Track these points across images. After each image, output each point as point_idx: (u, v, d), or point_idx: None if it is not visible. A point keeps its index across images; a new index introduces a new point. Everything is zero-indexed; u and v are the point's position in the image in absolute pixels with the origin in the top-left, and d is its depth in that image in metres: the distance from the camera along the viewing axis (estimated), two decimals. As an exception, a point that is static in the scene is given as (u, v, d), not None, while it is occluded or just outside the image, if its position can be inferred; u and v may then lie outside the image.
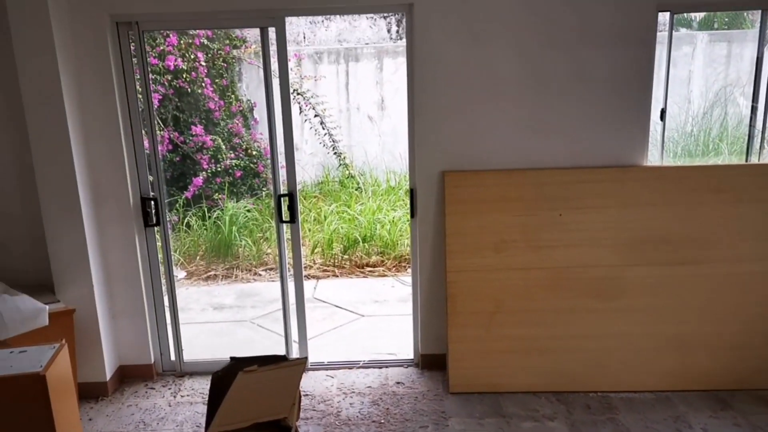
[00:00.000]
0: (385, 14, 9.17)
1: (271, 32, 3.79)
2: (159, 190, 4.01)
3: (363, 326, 5.10)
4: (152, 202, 3.99)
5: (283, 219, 4.01)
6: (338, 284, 6.15)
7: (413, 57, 3.77)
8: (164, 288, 4.17)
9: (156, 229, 4.07)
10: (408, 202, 4.15)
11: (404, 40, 3.91)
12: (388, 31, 9.26)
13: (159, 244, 4.10)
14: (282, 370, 2.64)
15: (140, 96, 3.87)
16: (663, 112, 4.01)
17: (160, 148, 7.21)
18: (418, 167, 3.92)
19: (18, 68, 3.50)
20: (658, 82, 3.89)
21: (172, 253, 4.20)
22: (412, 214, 4.06)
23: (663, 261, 3.82)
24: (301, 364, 2.76)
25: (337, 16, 9.14)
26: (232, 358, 2.82)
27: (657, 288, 3.83)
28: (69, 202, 3.68)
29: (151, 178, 3.98)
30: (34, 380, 2.83)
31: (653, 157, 4.17)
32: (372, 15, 9.14)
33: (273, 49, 3.82)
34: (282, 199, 3.97)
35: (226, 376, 2.65)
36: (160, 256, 4.13)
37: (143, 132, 3.93)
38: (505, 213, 3.87)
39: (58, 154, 3.61)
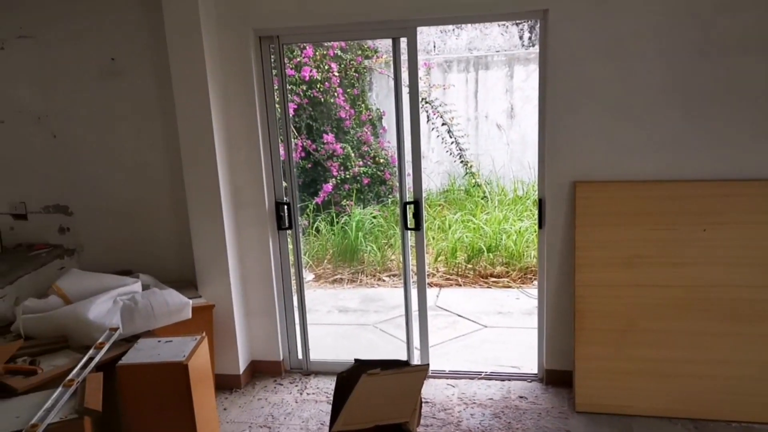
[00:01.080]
0: (518, 21, 9.04)
1: (403, 42, 3.85)
2: (292, 195, 4.20)
3: (485, 337, 5.03)
4: (285, 207, 4.18)
5: (408, 226, 4.06)
6: (461, 293, 6.11)
7: (546, 64, 3.68)
8: (294, 289, 4.35)
9: (288, 232, 4.26)
10: (536, 212, 4.05)
11: (536, 46, 3.83)
12: (521, 38, 9.10)
13: (290, 247, 4.29)
14: (404, 375, 2.67)
15: (278, 106, 4.08)
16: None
17: (293, 155, 7.58)
18: (548, 176, 3.82)
19: (172, 77, 3.81)
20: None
21: (302, 255, 4.38)
22: (540, 225, 3.96)
23: (823, 285, 3.46)
24: (423, 371, 2.77)
25: (468, 24, 9.12)
26: (356, 360, 2.89)
27: (815, 315, 3.47)
28: (212, 204, 3.95)
29: (285, 184, 4.18)
30: (178, 368, 3.06)
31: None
32: (504, 23, 9.03)
33: (404, 58, 3.88)
34: (408, 206, 4.02)
35: (350, 378, 2.72)
36: (291, 258, 4.32)
37: (279, 140, 4.13)
38: (641, 227, 3.67)
39: (204, 160, 3.89)
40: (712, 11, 3.43)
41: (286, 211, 4.19)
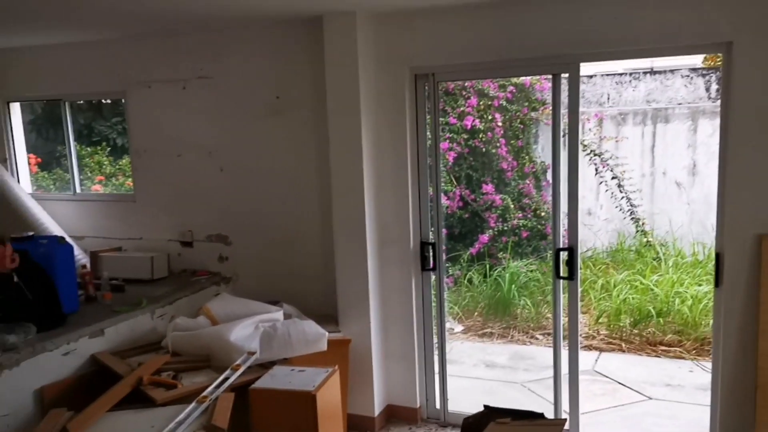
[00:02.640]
0: (704, 72, 8.35)
1: (563, 79, 3.64)
2: (438, 235, 4.07)
3: (649, 410, 4.46)
4: (431, 247, 4.06)
5: (561, 275, 3.74)
6: (624, 360, 5.52)
7: (728, 103, 3.28)
8: (435, 333, 4.18)
9: (432, 274, 4.12)
10: (713, 268, 3.55)
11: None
12: (707, 89, 8.36)
13: (434, 292, 4.14)
14: (537, 428, 2.38)
15: (429, 142, 4.03)
16: None
17: (450, 203, 7.50)
18: (727, 228, 3.35)
19: (328, 114, 3.90)
20: None
21: (445, 297, 4.21)
22: (717, 283, 3.46)
23: None
24: (559, 426, 2.45)
25: (647, 75, 8.60)
26: (485, 407, 2.64)
27: None
28: (357, 238, 3.94)
29: (432, 228, 4.06)
30: (306, 398, 3.02)
31: None
32: (688, 74, 8.40)
33: (564, 95, 3.66)
34: (560, 252, 3.72)
35: (478, 424, 2.48)
36: (433, 302, 4.16)
37: (428, 178, 4.05)
38: None
39: (352, 194, 3.91)
40: None
41: (431, 251, 4.07)
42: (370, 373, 4.02)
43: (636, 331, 5.88)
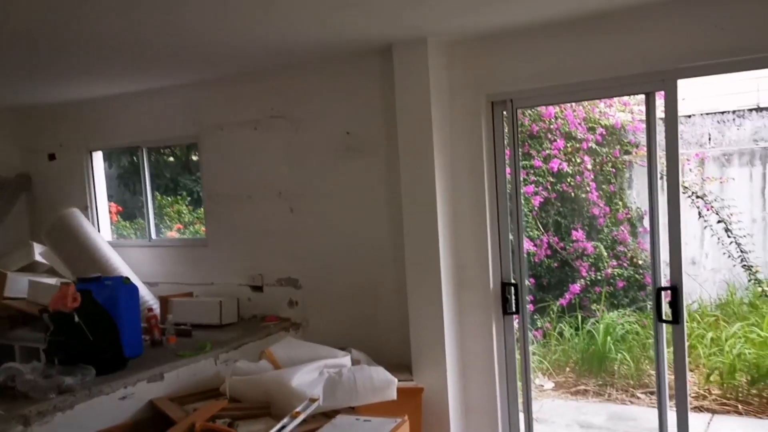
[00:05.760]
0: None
1: (659, 98, 3.27)
2: (520, 275, 3.70)
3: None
4: (512, 288, 3.69)
5: (663, 318, 3.27)
6: (742, 423, 4.82)
7: None
8: (519, 386, 3.75)
9: (515, 318, 3.74)
10: None
11: None
12: (822, 125, 7.63)
13: (517, 335, 3.74)
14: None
15: (509, 177, 3.72)
16: None
17: (538, 251, 7.05)
18: None
19: (399, 148, 3.70)
20: None
21: (530, 346, 3.80)
22: None
23: None
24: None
25: (753, 112, 7.95)
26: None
27: None
28: (431, 282, 3.66)
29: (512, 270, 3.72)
30: (369, 451, 2.69)
31: None
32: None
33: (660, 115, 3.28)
34: (662, 292, 3.25)
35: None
36: (517, 351, 3.76)
37: (509, 215, 3.72)
38: None
39: (425, 235, 3.65)
40: None
41: (512, 292, 3.70)
42: (446, 426, 3.64)
43: (755, 391, 5.15)
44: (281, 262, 4.39)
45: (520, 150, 3.86)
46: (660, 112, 3.31)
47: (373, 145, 3.98)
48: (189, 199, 7.06)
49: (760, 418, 4.92)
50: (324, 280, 4.23)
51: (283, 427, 2.84)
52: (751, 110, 7.81)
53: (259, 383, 3.21)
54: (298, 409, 2.96)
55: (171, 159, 7.17)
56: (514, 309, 3.70)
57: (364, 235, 4.08)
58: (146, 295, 4.49)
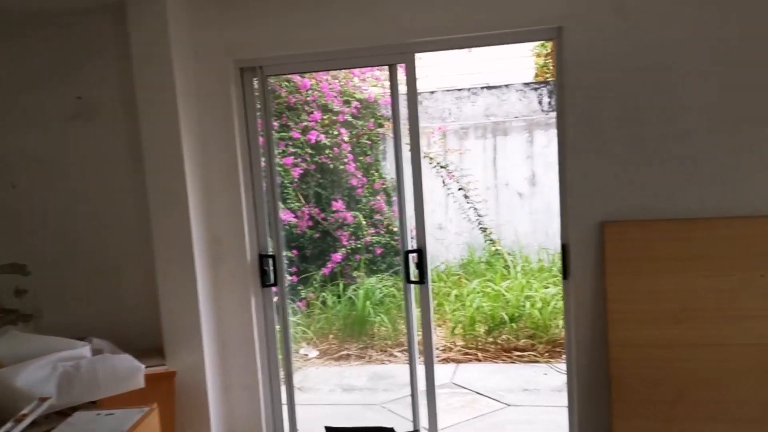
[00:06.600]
0: (536, 86, 8.71)
1: (400, 69, 3.43)
2: (278, 246, 3.66)
3: (509, 417, 4.33)
4: (270, 260, 3.64)
5: (411, 279, 3.47)
6: (481, 369, 5.41)
7: (563, 89, 3.22)
8: (280, 358, 3.74)
9: (274, 290, 3.70)
10: (559, 271, 3.45)
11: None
12: (539, 102, 8.74)
13: (277, 308, 3.71)
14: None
15: (263, 148, 3.63)
16: None
17: (300, 223, 7.11)
18: (571, 218, 3.25)
19: (139, 115, 3.39)
20: None
21: (290, 316, 3.80)
22: (565, 276, 3.34)
23: None
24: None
25: (485, 90, 8.83)
26: (327, 429, 2.26)
27: None
28: (183, 257, 3.42)
29: (270, 241, 3.66)
30: (110, 448, 2.45)
31: None
32: (521, 88, 8.72)
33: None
34: (409, 255, 3.45)
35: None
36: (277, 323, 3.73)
37: (264, 186, 3.65)
38: (689, 273, 3.05)
39: (174, 206, 3.40)
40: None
41: (270, 264, 3.64)
42: (205, 407, 3.48)
43: (491, 339, 5.81)
44: (2, 246, 3.80)
45: (273, 119, 3.79)
46: (403, 86, 3.47)
47: (110, 112, 3.60)
48: None
49: (495, 362, 5.56)
50: (59, 264, 3.75)
51: (5, 434, 2.46)
52: (483, 88, 8.67)
53: (-27, 388, 2.74)
54: (24, 412, 2.58)
55: None
56: (273, 281, 3.66)
57: (105, 211, 3.69)
58: None
